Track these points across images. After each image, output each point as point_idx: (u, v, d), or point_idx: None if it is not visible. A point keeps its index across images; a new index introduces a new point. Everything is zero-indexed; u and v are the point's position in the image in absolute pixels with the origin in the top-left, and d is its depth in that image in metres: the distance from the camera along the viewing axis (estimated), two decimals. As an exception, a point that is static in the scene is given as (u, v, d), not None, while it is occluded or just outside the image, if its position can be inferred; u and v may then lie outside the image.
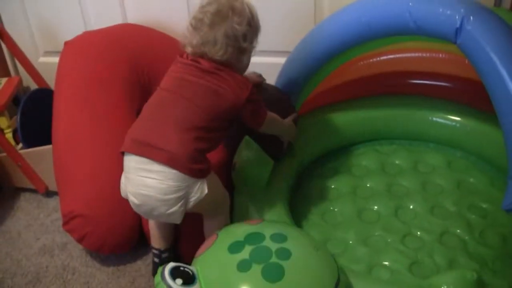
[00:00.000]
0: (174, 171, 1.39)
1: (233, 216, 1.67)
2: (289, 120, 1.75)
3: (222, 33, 1.47)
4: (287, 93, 1.86)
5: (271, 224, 1.44)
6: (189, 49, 1.51)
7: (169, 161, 1.39)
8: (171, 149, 1.40)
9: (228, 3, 1.50)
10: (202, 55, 1.49)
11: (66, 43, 2.04)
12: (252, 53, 1.57)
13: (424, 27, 1.54)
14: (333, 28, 1.74)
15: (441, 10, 1.49)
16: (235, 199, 1.70)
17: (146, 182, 1.41)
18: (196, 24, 1.49)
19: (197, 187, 1.43)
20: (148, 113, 1.49)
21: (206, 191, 1.44)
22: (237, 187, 1.72)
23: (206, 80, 1.47)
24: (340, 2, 1.84)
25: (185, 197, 1.42)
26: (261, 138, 1.70)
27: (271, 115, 1.62)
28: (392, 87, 2.03)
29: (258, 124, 1.57)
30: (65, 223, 1.77)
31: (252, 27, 1.53)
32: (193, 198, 1.43)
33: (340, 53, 1.78)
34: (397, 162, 1.96)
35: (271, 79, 1.91)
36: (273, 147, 1.76)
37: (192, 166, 1.41)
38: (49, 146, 1.97)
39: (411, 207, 1.77)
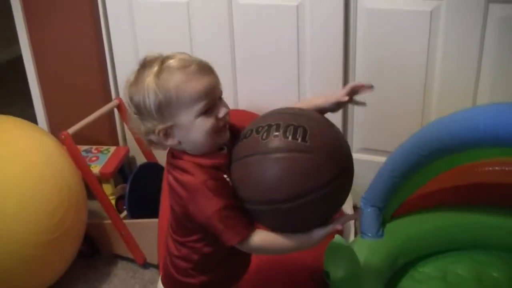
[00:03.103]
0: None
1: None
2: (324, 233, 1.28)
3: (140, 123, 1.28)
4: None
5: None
6: None
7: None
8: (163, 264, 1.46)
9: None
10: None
11: (181, 124, 2.14)
12: (203, 126, 1.25)
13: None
14: (447, 129, 1.69)
15: None
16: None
17: None
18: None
19: None
20: None
21: None
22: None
23: (169, 176, 1.33)
24: (448, 109, 1.87)
25: None
26: None
27: (265, 237, 1.28)
28: (500, 198, 2.00)
29: (227, 241, 1.25)
30: (163, 298, 1.82)
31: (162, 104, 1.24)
32: None
33: (447, 154, 1.78)
34: (494, 274, 1.92)
35: (371, 178, 1.94)
36: None
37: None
38: (154, 220, 2.04)
39: (507, 322, 1.74)
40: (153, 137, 1.27)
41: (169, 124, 1.25)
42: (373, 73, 2.19)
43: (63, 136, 2.10)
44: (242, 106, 2.45)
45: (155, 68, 1.24)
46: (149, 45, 2.50)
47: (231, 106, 2.40)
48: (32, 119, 2.20)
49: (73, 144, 2.11)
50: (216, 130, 1.27)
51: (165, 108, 1.23)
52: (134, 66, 2.52)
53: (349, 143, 2.34)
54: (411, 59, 2.11)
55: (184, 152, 1.29)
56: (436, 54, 2.06)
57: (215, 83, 1.27)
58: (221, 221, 1.23)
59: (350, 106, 2.26)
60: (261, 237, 1.27)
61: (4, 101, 3.79)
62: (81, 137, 2.38)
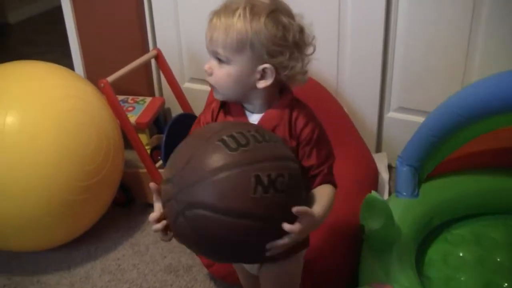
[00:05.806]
0: None
1: (361, 278, 1.70)
2: None
3: None
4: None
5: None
6: None
7: None
8: None
9: None
10: None
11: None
12: None
13: None
14: (488, 90, 1.64)
15: None
16: (362, 259, 1.73)
17: None
18: None
19: None
20: None
21: None
22: (364, 248, 1.75)
23: None
24: (490, 71, 1.83)
25: None
26: None
27: None
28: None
29: None
30: (196, 247, 1.84)
31: None
32: None
33: (487, 117, 1.74)
34: (528, 240, 1.92)
35: (407, 138, 1.92)
36: None
37: None
38: (189, 170, 2.05)
39: (541, 289, 1.72)
40: None
41: None
42: (415, 31, 2.15)
43: (102, 84, 2.11)
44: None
45: None
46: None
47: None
48: (69, 68, 2.20)
49: (112, 92, 2.12)
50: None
51: None
52: (172, 17, 2.55)
53: (387, 102, 2.33)
54: (455, 19, 2.06)
55: None
56: (481, 15, 2.02)
57: (214, 36, 1.24)
58: None
59: (389, 64, 2.25)
60: None
61: (40, 51, 3.82)
62: (118, 88, 2.39)
